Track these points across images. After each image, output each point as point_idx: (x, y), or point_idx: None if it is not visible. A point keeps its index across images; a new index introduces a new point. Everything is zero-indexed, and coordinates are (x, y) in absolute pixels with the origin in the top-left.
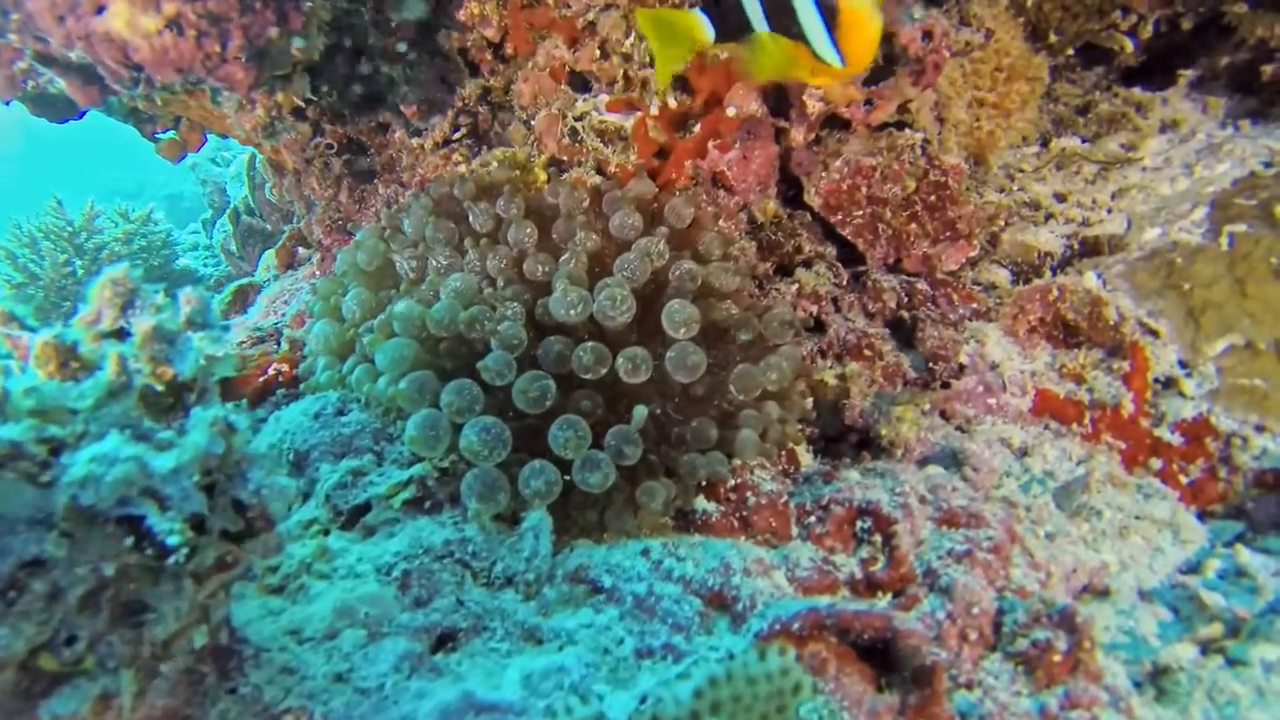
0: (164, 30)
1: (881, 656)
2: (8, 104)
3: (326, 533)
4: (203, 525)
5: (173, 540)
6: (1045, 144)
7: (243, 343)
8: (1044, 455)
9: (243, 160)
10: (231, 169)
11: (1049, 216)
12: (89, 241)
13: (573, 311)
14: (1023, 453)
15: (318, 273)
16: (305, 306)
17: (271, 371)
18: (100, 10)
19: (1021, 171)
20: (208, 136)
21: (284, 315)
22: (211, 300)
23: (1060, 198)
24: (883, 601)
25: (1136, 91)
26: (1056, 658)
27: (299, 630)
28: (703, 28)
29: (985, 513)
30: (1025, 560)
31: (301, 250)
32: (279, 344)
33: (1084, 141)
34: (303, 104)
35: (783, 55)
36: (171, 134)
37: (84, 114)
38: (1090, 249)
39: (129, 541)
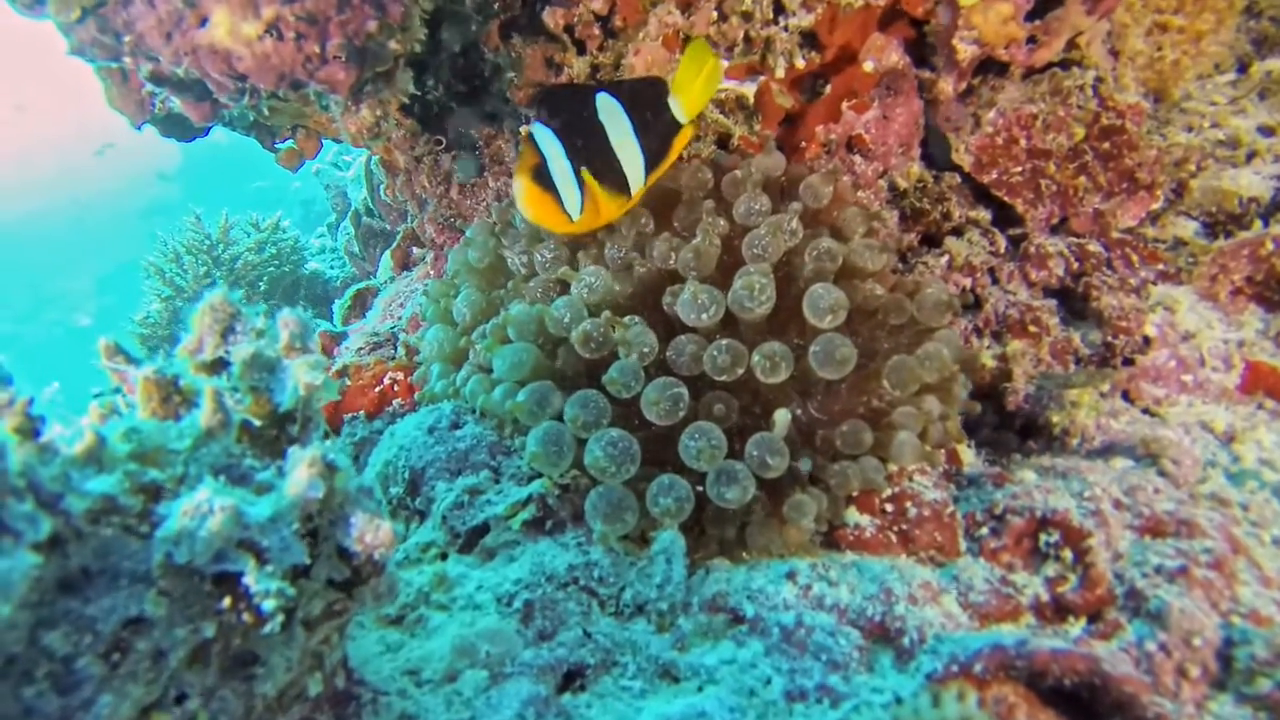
0: (264, 35)
1: (1076, 699)
2: (140, 128)
3: (444, 556)
4: (309, 572)
5: (267, 606)
6: (1244, 69)
7: (361, 349)
8: (1259, 441)
9: (361, 163)
10: (350, 172)
11: (1252, 155)
12: (225, 252)
13: (705, 315)
14: (1229, 439)
15: (431, 273)
16: (419, 310)
17: (387, 381)
18: (204, 23)
19: (1214, 105)
20: (324, 143)
21: (400, 319)
22: (311, 321)
23: (1268, 131)
24: (1076, 628)
25: None
26: None
27: (418, 670)
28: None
29: (1199, 519)
30: (1254, 575)
31: (416, 250)
32: (395, 349)
33: None
34: (408, 100)
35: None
36: (290, 143)
37: (208, 131)
38: None
39: (225, 602)
